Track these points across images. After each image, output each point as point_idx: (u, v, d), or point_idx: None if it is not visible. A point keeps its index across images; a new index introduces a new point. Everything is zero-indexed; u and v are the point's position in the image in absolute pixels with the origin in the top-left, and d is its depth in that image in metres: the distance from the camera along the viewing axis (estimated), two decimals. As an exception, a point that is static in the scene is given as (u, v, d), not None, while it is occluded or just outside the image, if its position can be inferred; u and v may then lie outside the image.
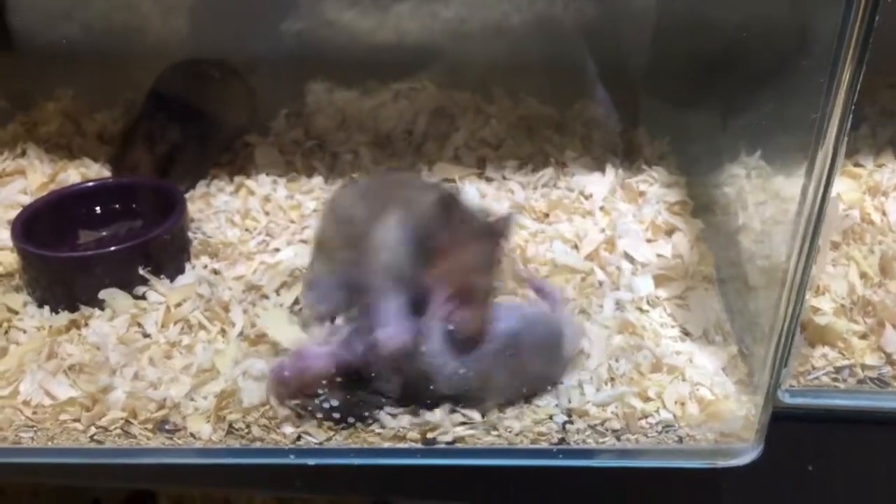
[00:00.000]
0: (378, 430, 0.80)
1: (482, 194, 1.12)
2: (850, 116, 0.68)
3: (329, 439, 0.81)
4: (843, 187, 1.04)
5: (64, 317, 0.92)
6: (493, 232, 0.81)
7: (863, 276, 0.93)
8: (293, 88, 1.37)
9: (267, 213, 1.09)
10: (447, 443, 0.81)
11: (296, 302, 0.94)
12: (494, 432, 0.81)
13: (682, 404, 0.82)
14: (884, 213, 1.01)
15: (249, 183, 1.14)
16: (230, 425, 0.81)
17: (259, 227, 1.06)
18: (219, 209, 1.10)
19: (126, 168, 1.12)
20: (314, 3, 1.40)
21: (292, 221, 1.08)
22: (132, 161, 1.12)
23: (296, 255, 1.00)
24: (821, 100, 0.68)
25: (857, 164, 1.11)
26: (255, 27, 1.39)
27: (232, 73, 1.25)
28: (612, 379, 0.84)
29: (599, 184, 1.12)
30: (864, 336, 0.88)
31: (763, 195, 0.89)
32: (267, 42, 1.41)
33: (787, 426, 0.86)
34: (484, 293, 0.79)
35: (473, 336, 0.79)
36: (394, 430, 0.80)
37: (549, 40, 1.42)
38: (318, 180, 1.16)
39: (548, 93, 1.32)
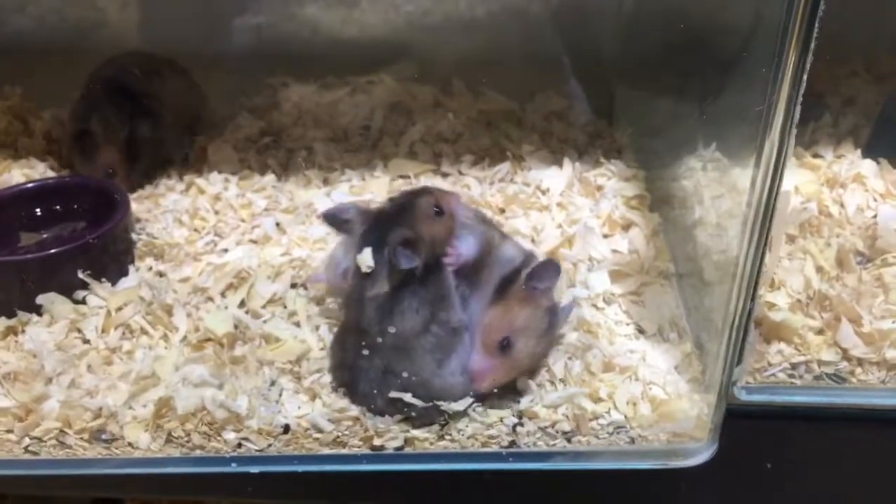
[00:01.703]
0: (316, 436, 0.78)
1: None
2: (798, 105, 0.66)
3: (269, 446, 0.78)
4: (801, 179, 1.02)
5: (0, 323, 0.89)
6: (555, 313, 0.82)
7: (819, 269, 0.92)
8: (252, 84, 1.34)
9: (217, 213, 1.07)
10: (396, 448, 0.79)
11: (241, 304, 0.91)
12: (448, 437, 0.79)
13: (634, 404, 0.80)
14: (842, 206, 0.99)
15: (200, 181, 1.11)
16: (169, 433, 0.79)
17: (208, 227, 1.04)
18: (167, 209, 1.07)
19: (99, 169, 1.08)
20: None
21: (242, 220, 1.06)
22: (105, 161, 1.08)
23: (244, 255, 0.98)
24: (767, 89, 0.66)
25: (816, 156, 1.10)
26: (213, 21, 1.36)
27: (177, 70, 1.21)
28: (562, 380, 0.82)
29: (557, 178, 1.10)
30: (820, 331, 0.87)
31: (719, 188, 0.87)
32: (226, 36, 1.38)
33: (744, 424, 0.84)
34: (518, 361, 0.79)
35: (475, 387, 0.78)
36: (333, 435, 0.78)
37: (514, 32, 1.40)
38: (270, 178, 1.13)
39: (511, 86, 1.30)
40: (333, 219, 0.81)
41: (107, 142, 1.08)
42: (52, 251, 0.90)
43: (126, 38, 1.34)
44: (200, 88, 1.24)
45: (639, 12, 1.22)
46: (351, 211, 0.80)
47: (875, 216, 0.97)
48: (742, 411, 0.84)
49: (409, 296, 0.76)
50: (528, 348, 0.78)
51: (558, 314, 0.83)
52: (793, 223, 0.95)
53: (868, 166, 1.06)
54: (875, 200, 1.01)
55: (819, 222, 0.97)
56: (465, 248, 0.80)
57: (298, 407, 0.80)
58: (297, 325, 0.88)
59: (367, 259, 0.75)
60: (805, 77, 0.65)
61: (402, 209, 0.79)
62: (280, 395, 0.81)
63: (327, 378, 0.82)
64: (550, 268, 0.80)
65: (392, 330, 0.76)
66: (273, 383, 0.82)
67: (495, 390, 0.79)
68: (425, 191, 0.82)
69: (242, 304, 0.91)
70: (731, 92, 0.82)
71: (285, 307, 0.91)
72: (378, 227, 0.77)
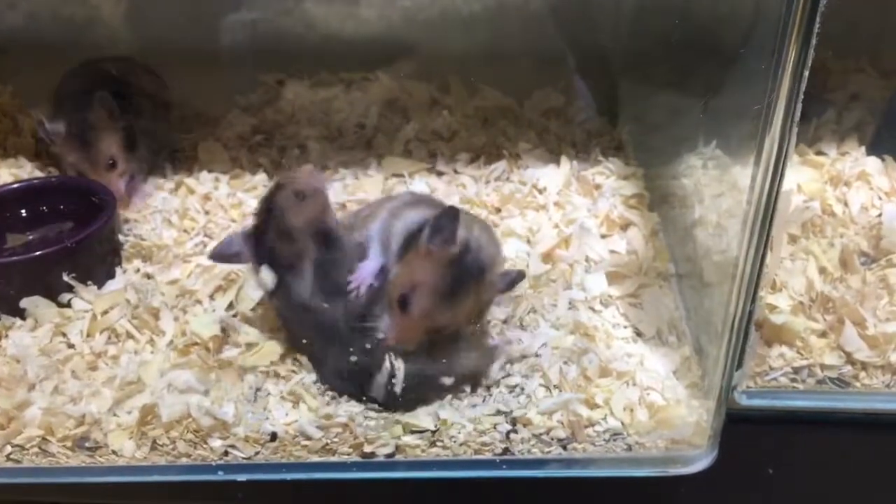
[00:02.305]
0: (304, 443, 0.76)
1: (432, 189, 1.08)
2: (799, 102, 0.64)
3: (257, 454, 0.76)
4: (804, 177, 1.00)
5: (-17, 327, 0.87)
6: (481, 270, 0.77)
7: (822, 271, 0.89)
8: (246, 81, 1.32)
9: (207, 213, 1.05)
10: (386, 455, 0.77)
11: (230, 306, 0.89)
12: (440, 443, 0.78)
13: (631, 411, 0.78)
14: (845, 205, 0.97)
15: (189, 181, 1.09)
16: (154, 441, 0.77)
17: (197, 228, 1.02)
18: (156, 209, 1.05)
19: (100, 160, 1.04)
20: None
21: (233, 221, 1.04)
22: (106, 151, 1.04)
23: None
24: (768, 85, 0.64)
25: (819, 153, 1.08)
26: (205, 18, 1.34)
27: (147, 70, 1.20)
28: (557, 386, 0.80)
29: (554, 176, 1.08)
30: (823, 334, 0.85)
31: (720, 186, 0.85)
32: (218, 33, 1.36)
33: (745, 429, 0.82)
34: (432, 315, 0.76)
35: (397, 344, 0.77)
36: (322, 443, 0.77)
37: (514, 28, 1.37)
38: (262, 177, 1.11)
39: (510, 83, 1.27)
40: (222, 256, 0.83)
41: (106, 131, 1.05)
42: (37, 254, 0.88)
43: (117, 36, 1.32)
44: (168, 88, 1.22)
45: (640, 7, 1.20)
46: (235, 242, 0.82)
47: (880, 215, 0.95)
48: (742, 416, 0.83)
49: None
50: (427, 303, 0.75)
51: (476, 267, 0.77)
52: (795, 222, 0.93)
53: (873, 164, 1.04)
54: (880, 199, 0.99)
55: (822, 222, 0.95)
56: (366, 270, 0.80)
57: (286, 413, 0.77)
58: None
59: (267, 277, 0.79)
60: (806, 73, 0.63)
61: (267, 214, 0.80)
62: (266, 400, 0.79)
63: (310, 378, 0.81)
64: (444, 219, 0.75)
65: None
66: (258, 390, 0.80)
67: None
68: (278, 186, 0.82)
69: (231, 306, 0.89)
70: (732, 88, 0.80)
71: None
72: (259, 243, 0.80)
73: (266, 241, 0.79)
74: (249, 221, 0.85)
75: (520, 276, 0.82)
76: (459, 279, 0.75)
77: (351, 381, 0.78)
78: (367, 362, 0.77)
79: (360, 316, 0.78)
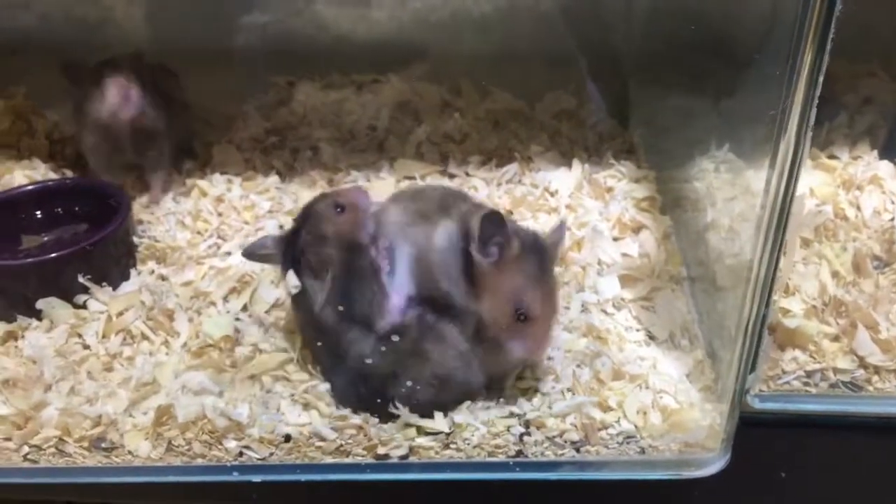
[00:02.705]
0: (318, 444, 0.77)
1: (445, 192, 1.08)
2: (814, 108, 0.64)
3: (271, 454, 0.77)
4: (816, 181, 1.00)
5: (0, 328, 0.88)
6: (545, 248, 0.77)
7: (835, 275, 0.89)
8: (258, 83, 1.33)
9: (220, 215, 1.05)
10: (400, 457, 0.77)
11: (244, 308, 0.90)
12: (453, 445, 0.78)
13: (645, 414, 0.78)
14: (858, 209, 0.97)
15: (202, 183, 1.09)
16: (170, 442, 0.77)
17: (210, 230, 1.02)
18: (169, 210, 1.06)
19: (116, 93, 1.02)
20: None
21: (246, 223, 1.04)
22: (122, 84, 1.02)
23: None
24: (782, 89, 0.64)
25: (831, 157, 1.08)
26: (218, 20, 1.35)
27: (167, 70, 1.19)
28: (570, 389, 0.80)
29: (565, 179, 1.08)
30: (836, 338, 0.85)
31: (732, 190, 0.85)
32: (231, 35, 1.36)
33: (758, 432, 0.83)
34: (553, 309, 0.76)
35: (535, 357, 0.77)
36: (336, 444, 0.77)
37: (526, 30, 1.38)
38: (274, 179, 1.11)
39: (521, 85, 1.27)
40: (252, 255, 0.84)
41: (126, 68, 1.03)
42: (53, 255, 0.89)
43: (130, 37, 1.32)
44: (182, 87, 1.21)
45: (652, 9, 1.20)
46: (268, 242, 0.83)
47: (892, 219, 0.95)
48: (756, 420, 0.83)
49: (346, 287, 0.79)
50: (541, 301, 0.74)
51: (540, 246, 0.77)
52: (808, 226, 0.93)
53: (885, 168, 1.04)
54: (892, 203, 0.99)
55: (834, 226, 0.95)
56: (395, 309, 0.78)
57: (299, 415, 0.78)
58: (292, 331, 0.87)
59: (292, 281, 0.79)
60: (820, 79, 0.63)
61: (304, 220, 0.82)
62: (278, 402, 0.79)
63: (324, 386, 0.81)
64: (489, 227, 0.73)
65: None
66: (268, 391, 0.80)
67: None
68: (322, 196, 0.84)
69: (245, 308, 0.90)
70: (745, 92, 0.80)
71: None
72: (290, 247, 0.80)
73: (297, 246, 0.80)
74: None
75: (562, 223, 0.82)
76: (541, 264, 0.75)
77: (363, 399, 0.79)
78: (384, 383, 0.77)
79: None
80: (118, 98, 1.02)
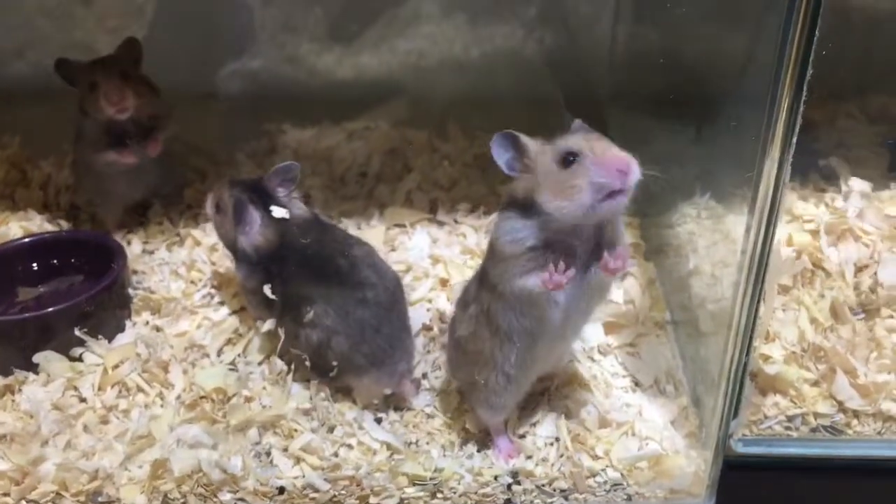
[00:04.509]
0: (312, 496, 0.78)
1: (433, 239, 1.10)
2: (790, 155, 0.67)
3: (269, 509, 0.78)
4: (793, 229, 1.02)
5: (-3, 382, 0.89)
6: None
7: (813, 321, 0.92)
8: (250, 129, 1.35)
9: (213, 264, 1.07)
10: (391, 509, 0.79)
11: (237, 359, 0.92)
12: (440, 495, 0.79)
13: (631, 466, 0.80)
14: (834, 255, 0.99)
15: (195, 232, 1.11)
16: (165, 495, 0.79)
17: (204, 279, 1.04)
18: (163, 261, 1.07)
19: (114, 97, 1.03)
20: (273, 40, 1.39)
21: (238, 272, 1.06)
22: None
23: (240, 308, 0.98)
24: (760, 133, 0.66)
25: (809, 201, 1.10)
26: (210, 67, 1.38)
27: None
28: (557, 438, 0.82)
29: (552, 227, 1.10)
30: (815, 383, 0.87)
31: (713, 237, 0.87)
32: (222, 82, 1.39)
33: (741, 475, 0.85)
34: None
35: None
36: (330, 495, 0.78)
37: (509, 73, 1.41)
38: (266, 227, 1.13)
39: (506, 127, 1.29)
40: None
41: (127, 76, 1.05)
42: (50, 310, 0.90)
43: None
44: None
45: (634, 56, 1.23)
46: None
47: (866, 266, 0.97)
48: (739, 463, 0.85)
49: None
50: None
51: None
52: (786, 273, 0.95)
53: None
54: (867, 246, 1.01)
55: (811, 273, 0.97)
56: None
57: (292, 466, 0.79)
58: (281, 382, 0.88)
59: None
60: (797, 125, 0.66)
61: None
62: (271, 454, 0.81)
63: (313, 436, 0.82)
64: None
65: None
66: (258, 443, 0.82)
67: None
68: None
69: (237, 360, 0.91)
70: (725, 139, 0.82)
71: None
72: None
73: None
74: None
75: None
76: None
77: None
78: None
79: None
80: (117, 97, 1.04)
